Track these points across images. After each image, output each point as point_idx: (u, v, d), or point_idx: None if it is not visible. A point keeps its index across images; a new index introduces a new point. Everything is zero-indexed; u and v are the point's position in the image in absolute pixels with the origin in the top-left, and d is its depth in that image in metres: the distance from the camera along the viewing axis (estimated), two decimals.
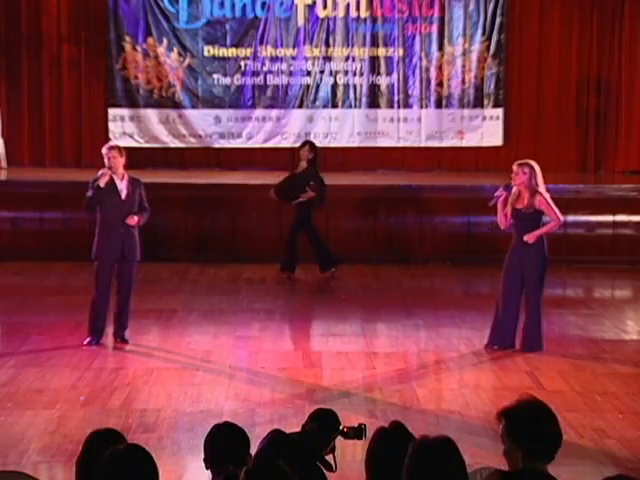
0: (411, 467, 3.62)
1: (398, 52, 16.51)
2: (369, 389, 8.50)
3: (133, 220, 9.55)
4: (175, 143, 16.57)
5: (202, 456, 4.38)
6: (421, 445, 3.67)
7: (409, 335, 10.35)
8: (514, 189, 9.52)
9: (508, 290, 9.57)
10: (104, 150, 9.68)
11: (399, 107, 16.58)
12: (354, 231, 14.12)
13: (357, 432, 4.61)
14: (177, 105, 16.51)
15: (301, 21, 16.45)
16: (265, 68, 16.47)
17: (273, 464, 3.81)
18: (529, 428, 3.83)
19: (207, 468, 4.35)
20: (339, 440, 4.64)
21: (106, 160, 9.54)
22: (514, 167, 9.47)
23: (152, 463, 3.64)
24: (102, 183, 9.45)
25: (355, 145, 16.66)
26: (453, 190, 14.57)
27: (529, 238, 9.40)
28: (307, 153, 12.86)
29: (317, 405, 5.16)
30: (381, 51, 16.52)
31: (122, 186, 9.58)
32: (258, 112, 16.57)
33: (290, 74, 16.49)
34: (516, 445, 3.82)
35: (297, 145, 16.09)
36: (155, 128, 16.49)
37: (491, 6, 16.45)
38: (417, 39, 16.49)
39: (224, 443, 4.33)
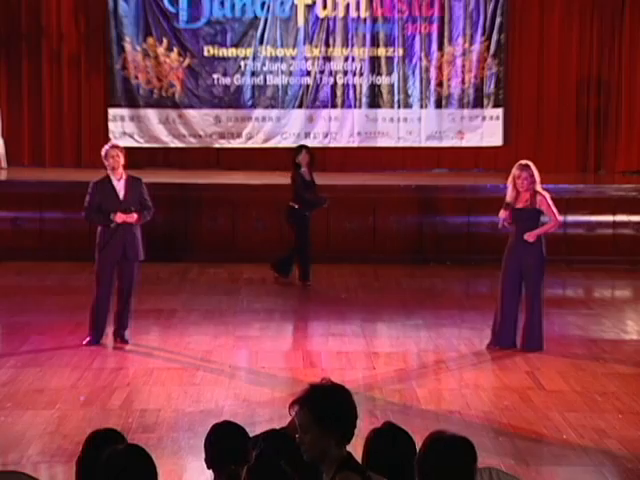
0: (422, 462, 3.56)
1: (398, 52, 16.51)
2: (369, 389, 8.50)
3: (132, 217, 9.53)
4: (175, 143, 16.58)
5: (202, 456, 4.37)
6: (434, 441, 3.59)
7: (409, 335, 10.35)
8: (510, 189, 9.49)
9: (507, 289, 9.57)
10: (106, 148, 9.67)
11: (399, 107, 16.58)
12: (354, 231, 14.11)
13: None
14: (177, 105, 16.51)
15: (301, 21, 16.45)
16: (265, 68, 16.47)
17: (274, 464, 3.81)
18: (341, 414, 3.67)
19: (208, 468, 4.34)
20: None
21: (109, 160, 9.53)
22: (516, 171, 9.35)
23: (152, 463, 3.64)
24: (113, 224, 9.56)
25: (355, 145, 16.66)
26: (453, 190, 14.57)
27: (529, 237, 9.39)
28: (308, 157, 12.48)
29: None
30: (381, 51, 16.52)
31: (120, 186, 9.58)
32: (258, 112, 16.57)
33: (290, 74, 16.49)
34: (328, 432, 3.63)
35: (297, 145, 16.04)
36: (155, 128, 16.49)
37: (491, 6, 16.45)
38: (417, 39, 16.49)
39: (225, 442, 4.32)
